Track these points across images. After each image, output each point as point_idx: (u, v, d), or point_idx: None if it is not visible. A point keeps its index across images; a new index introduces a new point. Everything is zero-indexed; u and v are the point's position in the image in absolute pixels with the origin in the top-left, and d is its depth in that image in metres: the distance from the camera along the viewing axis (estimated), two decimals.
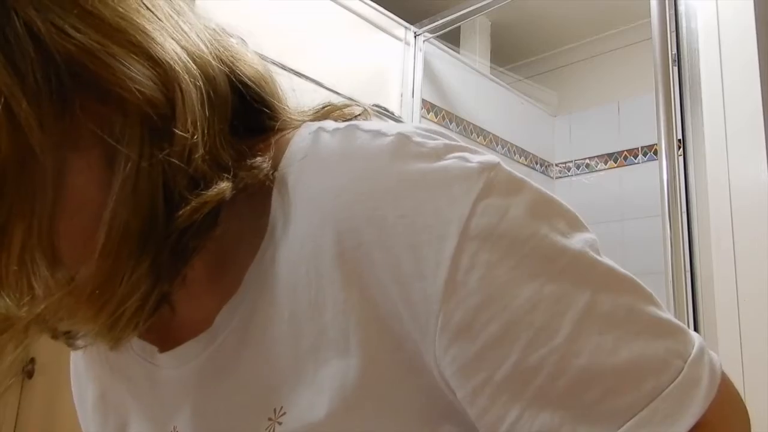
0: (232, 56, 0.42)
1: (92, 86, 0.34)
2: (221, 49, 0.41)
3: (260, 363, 0.39)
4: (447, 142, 0.37)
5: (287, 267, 0.38)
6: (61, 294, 0.36)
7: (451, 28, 2.32)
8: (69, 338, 0.45)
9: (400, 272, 0.34)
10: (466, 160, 0.36)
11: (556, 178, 3.06)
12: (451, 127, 2.43)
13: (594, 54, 3.03)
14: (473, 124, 2.56)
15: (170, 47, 0.37)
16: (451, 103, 2.46)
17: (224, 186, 0.37)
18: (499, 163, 0.36)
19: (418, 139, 0.36)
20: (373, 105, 2.05)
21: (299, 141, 0.40)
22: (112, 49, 0.34)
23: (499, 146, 2.69)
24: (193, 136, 0.36)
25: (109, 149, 0.35)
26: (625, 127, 2.86)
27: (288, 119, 0.44)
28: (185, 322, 0.43)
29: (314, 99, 0.48)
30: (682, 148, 1.49)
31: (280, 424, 0.38)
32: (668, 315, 0.35)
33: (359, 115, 0.46)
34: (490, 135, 2.64)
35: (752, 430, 0.36)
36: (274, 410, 0.38)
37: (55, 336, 0.44)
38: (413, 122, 2.19)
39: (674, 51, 1.55)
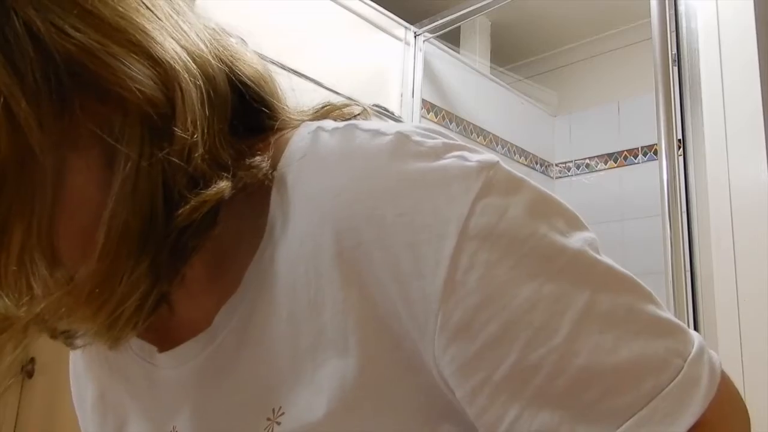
0: (231, 56, 0.42)
1: (92, 86, 0.34)
2: (221, 49, 0.41)
3: (259, 363, 0.39)
4: (446, 141, 0.37)
5: (286, 266, 0.38)
6: (60, 294, 0.36)
7: (451, 28, 2.32)
8: (68, 338, 0.44)
9: (399, 271, 0.34)
10: (465, 159, 0.36)
11: (556, 178, 3.06)
12: (451, 127, 2.43)
13: (594, 54, 3.03)
14: (473, 124, 2.56)
15: (170, 47, 0.37)
16: (451, 103, 2.46)
17: (223, 185, 0.37)
18: (498, 162, 0.36)
19: (417, 138, 0.36)
20: (373, 105, 2.06)
21: (298, 140, 0.40)
22: (111, 49, 0.34)
23: (499, 146, 2.69)
24: (193, 136, 0.36)
25: (108, 149, 0.35)
26: (625, 127, 2.86)
27: (287, 119, 0.44)
28: (184, 321, 0.43)
29: (314, 99, 0.48)
30: (682, 148, 1.49)
31: (278, 424, 0.38)
32: (668, 314, 0.35)
33: (358, 114, 0.46)
34: (490, 135, 2.64)
35: (752, 429, 0.36)
36: (273, 410, 0.38)
37: (54, 335, 0.44)
38: (413, 122, 2.19)
39: (674, 51, 1.55)
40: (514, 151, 2.79)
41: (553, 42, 3.08)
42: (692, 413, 0.32)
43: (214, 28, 0.42)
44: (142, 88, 0.34)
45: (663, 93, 1.48)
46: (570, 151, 3.04)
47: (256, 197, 0.40)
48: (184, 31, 0.39)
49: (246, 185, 0.38)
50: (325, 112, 0.46)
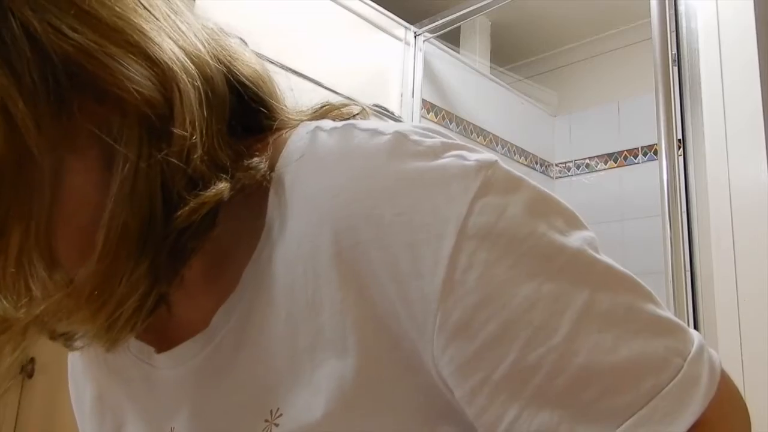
0: (229, 56, 0.42)
1: (90, 86, 0.34)
2: (219, 49, 0.41)
3: (257, 363, 0.39)
4: (444, 140, 0.37)
5: (284, 267, 0.38)
6: (59, 295, 0.36)
7: (451, 28, 2.32)
8: (67, 339, 0.44)
9: (397, 271, 0.34)
10: (464, 158, 0.35)
11: (556, 178, 3.06)
12: (451, 127, 2.43)
13: (594, 54, 3.03)
14: (473, 124, 2.55)
15: (168, 47, 0.36)
16: (451, 103, 2.46)
17: (222, 186, 0.37)
18: (496, 161, 0.36)
19: (416, 138, 0.36)
20: (373, 105, 2.05)
21: (296, 140, 0.40)
22: (109, 49, 0.34)
23: (499, 146, 2.69)
24: (191, 136, 0.36)
25: (107, 150, 0.35)
26: (625, 127, 2.86)
27: (286, 119, 0.44)
28: (182, 322, 0.43)
29: (313, 99, 0.48)
30: (682, 148, 1.49)
31: (276, 425, 0.38)
32: (667, 313, 0.35)
33: (357, 114, 0.46)
34: (490, 135, 2.64)
35: (752, 428, 0.36)
36: (271, 411, 0.38)
37: (53, 337, 0.44)
38: (412, 122, 2.19)
39: (674, 51, 1.55)
40: (514, 151, 2.79)
41: (553, 42, 3.08)
42: (692, 412, 0.32)
43: (212, 28, 0.42)
44: (140, 89, 0.34)
45: (663, 93, 1.48)
46: (570, 151, 3.04)
47: (255, 198, 0.40)
48: (182, 32, 0.38)
49: (244, 186, 0.38)
50: (323, 112, 0.46)
